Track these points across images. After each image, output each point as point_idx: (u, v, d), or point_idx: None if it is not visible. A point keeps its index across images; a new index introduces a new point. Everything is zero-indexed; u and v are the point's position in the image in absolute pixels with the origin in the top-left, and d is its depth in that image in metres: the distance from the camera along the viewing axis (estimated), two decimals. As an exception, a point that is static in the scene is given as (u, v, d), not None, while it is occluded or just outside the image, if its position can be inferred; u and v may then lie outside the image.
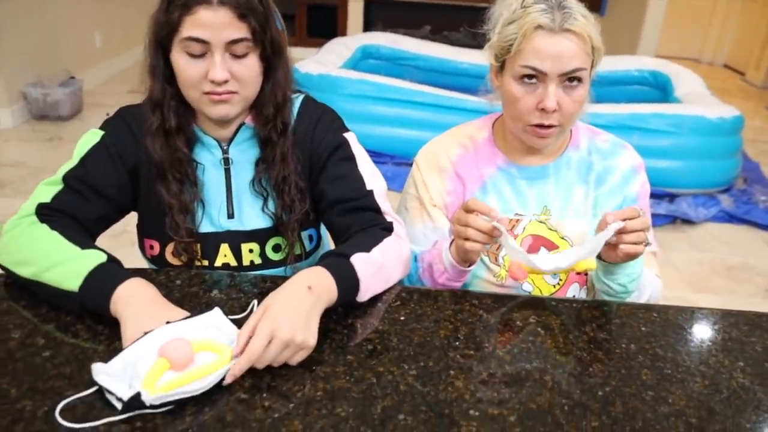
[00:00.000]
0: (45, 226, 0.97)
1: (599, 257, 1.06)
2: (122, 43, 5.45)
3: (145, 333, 0.80)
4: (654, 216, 3.22)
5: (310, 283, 0.88)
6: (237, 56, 1.00)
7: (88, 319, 0.90)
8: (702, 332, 0.99)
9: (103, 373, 0.76)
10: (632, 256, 1.00)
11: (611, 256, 1.02)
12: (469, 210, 1.00)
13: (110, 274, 0.90)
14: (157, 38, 1.01)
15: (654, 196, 3.37)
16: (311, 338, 0.82)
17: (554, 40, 1.04)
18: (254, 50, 1.02)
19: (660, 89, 4.47)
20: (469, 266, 1.08)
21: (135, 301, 0.87)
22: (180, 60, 0.99)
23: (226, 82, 0.99)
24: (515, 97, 1.09)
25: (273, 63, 1.07)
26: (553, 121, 1.08)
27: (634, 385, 0.85)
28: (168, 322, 0.83)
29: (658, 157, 3.44)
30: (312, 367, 0.83)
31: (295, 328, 0.80)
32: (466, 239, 1.00)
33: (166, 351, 0.77)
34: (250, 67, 1.02)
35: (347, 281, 0.94)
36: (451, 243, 1.08)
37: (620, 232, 0.98)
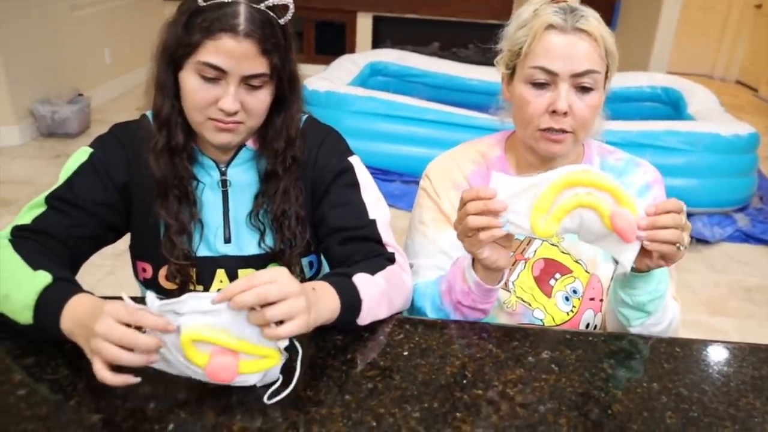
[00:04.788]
0: (10, 249, 0.91)
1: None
2: (131, 60, 5.45)
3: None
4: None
5: (315, 287, 0.86)
6: (251, 87, 0.96)
7: (70, 354, 0.84)
8: (730, 370, 0.92)
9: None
10: (666, 259, 0.88)
11: (638, 261, 0.89)
12: (464, 203, 0.88)
13: (53, 300, 0.82)
14: (170, 53, 0.96)
15: (668, 215, 3.29)
16: (307, 313, 0.75)
17: (566, 38, 1.00)
18: (269, 84, 0.98)
19: (672, 106, 4.40)
20: (497, 283, 0.98)
21: (78, 318, 0.79)
22: (191, 81, 0.94)
23: (236, 113, 0.95)
24: (526, 100, 1.03)
25: (287, 97, 1.03)
26: (564, 125, 1.02)
27: (657, 430, 0.77)
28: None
29: (672, 175, 3.35)
30: (307, 408, 0.77)
31: (297, 287, 0.75)
32: (472, 234, 0.87)
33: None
34: (262, 100, 0.98)
35: (349, 299, 0.90)
36: (474, 259, 0.97)
37: (652, 228, 0.84)
